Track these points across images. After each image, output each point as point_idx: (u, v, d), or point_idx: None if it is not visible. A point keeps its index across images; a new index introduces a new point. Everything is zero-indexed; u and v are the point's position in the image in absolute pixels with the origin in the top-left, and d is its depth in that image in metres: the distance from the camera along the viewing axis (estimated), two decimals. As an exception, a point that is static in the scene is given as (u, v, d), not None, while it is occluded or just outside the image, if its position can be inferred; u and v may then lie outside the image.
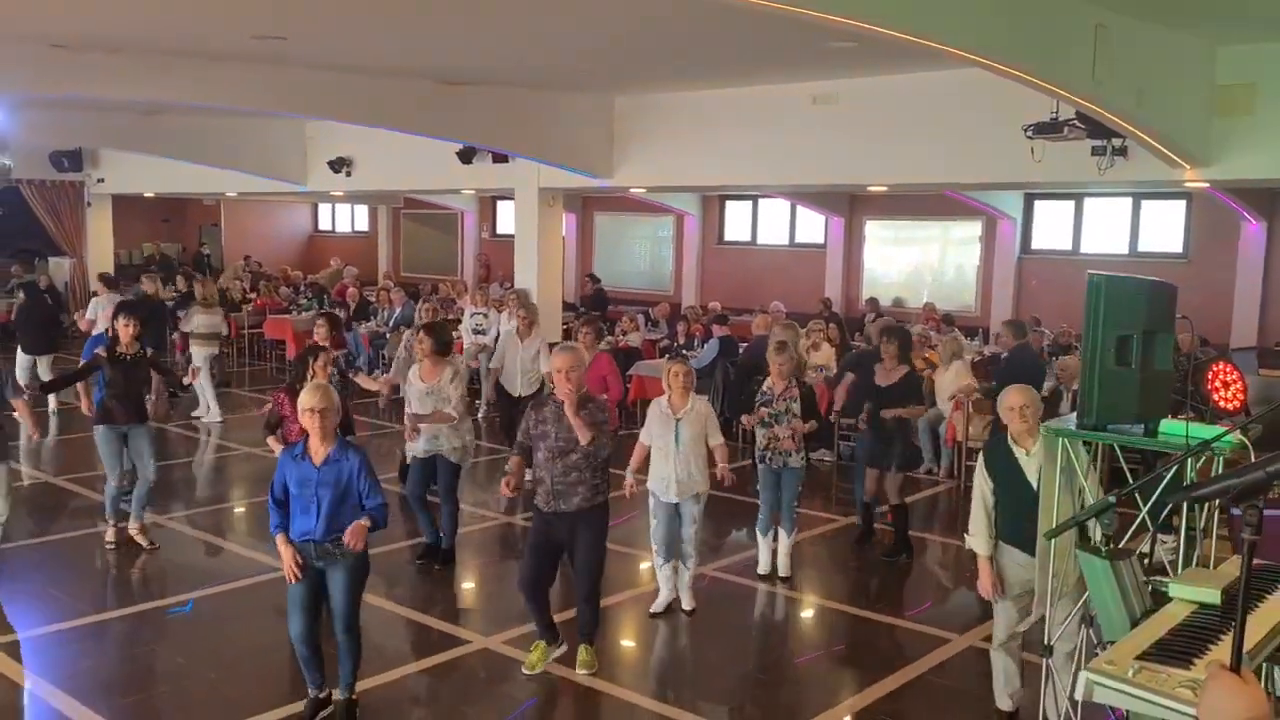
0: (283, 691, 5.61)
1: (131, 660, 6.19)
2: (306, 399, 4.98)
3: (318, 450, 5.00)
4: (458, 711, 5.67)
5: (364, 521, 4.95)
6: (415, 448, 7.57)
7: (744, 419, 7.82)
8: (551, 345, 8.43)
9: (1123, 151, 9.00)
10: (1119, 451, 4.36)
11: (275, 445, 6.73)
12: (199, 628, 6.68)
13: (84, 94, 10.28)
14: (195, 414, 12.59)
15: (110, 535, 8.03)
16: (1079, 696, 2.32)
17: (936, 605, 7.35)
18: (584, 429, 5.56)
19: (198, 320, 12.78)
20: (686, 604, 6.87)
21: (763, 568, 7.60)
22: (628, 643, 6.68)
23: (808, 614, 7.18)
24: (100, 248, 20.19)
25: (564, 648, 5.99)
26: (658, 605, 6.90)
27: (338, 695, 5.30)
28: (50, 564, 7.75)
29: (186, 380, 9.57)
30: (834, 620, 7.03)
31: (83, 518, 8.81)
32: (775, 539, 7.58)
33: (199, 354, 12.60)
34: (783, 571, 7.52)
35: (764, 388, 7.50)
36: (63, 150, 18.48)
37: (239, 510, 9.54)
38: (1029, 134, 8.57)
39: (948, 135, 10.06)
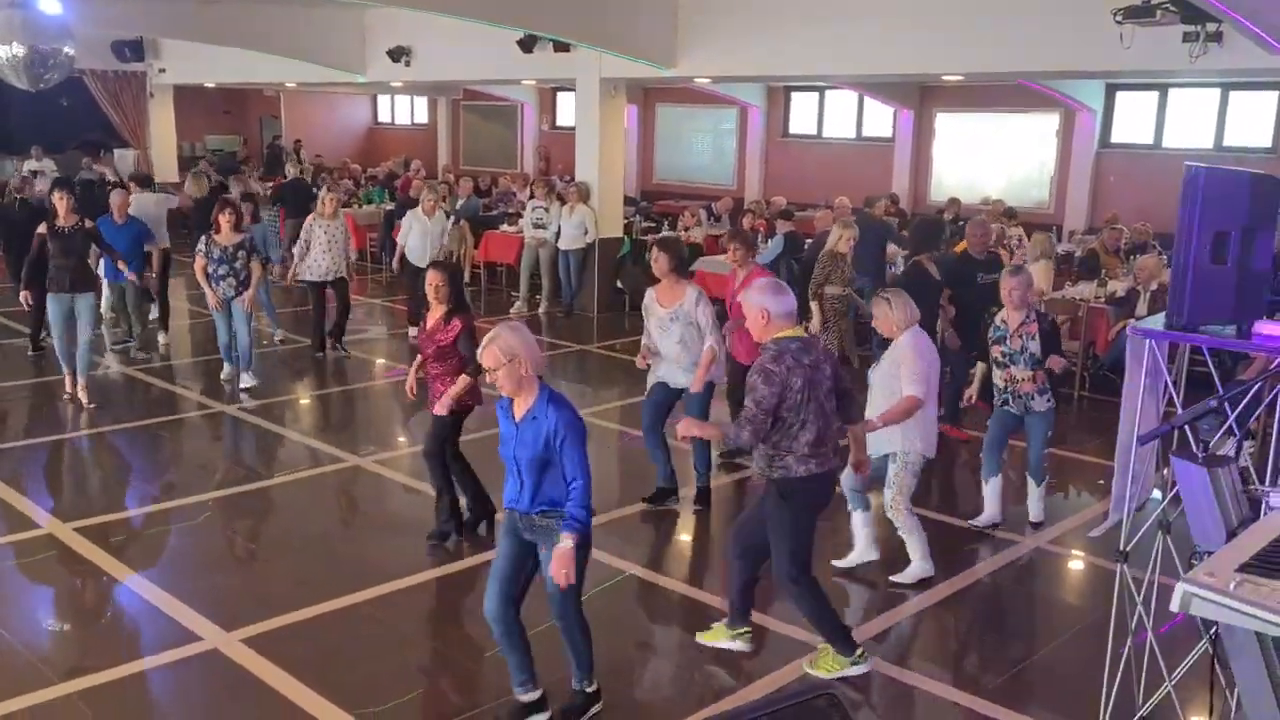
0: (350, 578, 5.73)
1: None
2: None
3: (518, 405, 4.16)
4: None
5: (566, 543, 3.99)
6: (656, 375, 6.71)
7: (980, 366, 6.93)
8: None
9: (1216, 37, 8.51)
10: (1207, 354, 4.16)
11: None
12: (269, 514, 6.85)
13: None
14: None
15: (68, 385, 8.83)
16: (1174, 608, 2.21)
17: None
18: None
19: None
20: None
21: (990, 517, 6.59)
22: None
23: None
24: (163, 139, 20.24)
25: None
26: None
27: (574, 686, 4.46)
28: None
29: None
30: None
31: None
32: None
33: None
34: (1034, 517, 6.60)
35: (997, 320, 6.47)
36: (124, 40, 18.42)
37: (303, 402, 9.70)
38: (1118, 18, 8.12)
39: (1028, 20, 9.57)
